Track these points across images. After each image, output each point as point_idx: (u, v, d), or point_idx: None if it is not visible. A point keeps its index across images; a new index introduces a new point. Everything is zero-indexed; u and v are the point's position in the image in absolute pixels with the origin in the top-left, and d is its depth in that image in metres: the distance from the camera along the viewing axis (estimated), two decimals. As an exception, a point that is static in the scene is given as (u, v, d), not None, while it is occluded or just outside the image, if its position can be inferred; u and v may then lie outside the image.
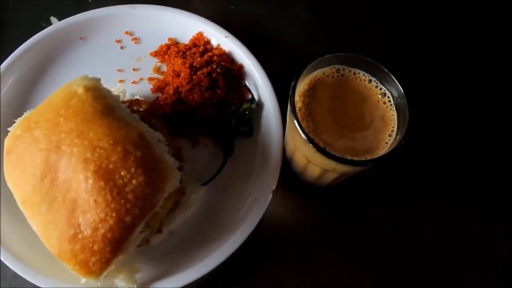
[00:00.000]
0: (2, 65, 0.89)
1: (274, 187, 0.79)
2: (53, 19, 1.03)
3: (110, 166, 0.61)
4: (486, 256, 0.84)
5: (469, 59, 1.04)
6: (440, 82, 1.00)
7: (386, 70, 0.68)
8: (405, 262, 0.83)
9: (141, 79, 0.93)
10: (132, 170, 0.62)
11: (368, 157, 0.65)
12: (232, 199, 0.81)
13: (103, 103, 0.67)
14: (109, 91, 0.72)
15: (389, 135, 0.68)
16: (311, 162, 0.70)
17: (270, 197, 0.78)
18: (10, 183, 0.67)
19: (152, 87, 0.91)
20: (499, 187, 0.90)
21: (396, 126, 0.68)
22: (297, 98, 0.69)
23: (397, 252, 0.83)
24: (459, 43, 1.06)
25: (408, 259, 0.83)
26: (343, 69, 0.72)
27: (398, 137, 0.66)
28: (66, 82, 0.71)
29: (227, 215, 0.80)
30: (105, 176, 0.61)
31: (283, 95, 0.68)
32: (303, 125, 0.65)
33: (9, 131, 0.69)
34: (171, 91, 0.87)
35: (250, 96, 0.88)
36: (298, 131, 0.63)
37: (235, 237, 0.76)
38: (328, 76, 0.71)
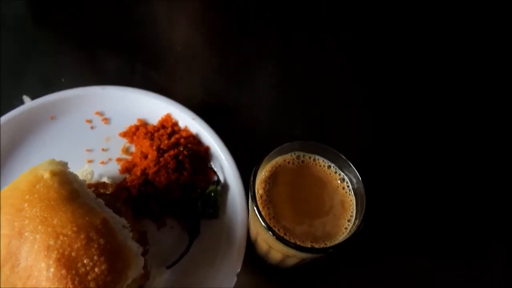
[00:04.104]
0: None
1: (239, 270, 0.79)
2: (25, 98, 1.04)
3: (73, 254, 0.61)
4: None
5: (422, 144, 1.10)
6: (395, 164, 1.05)
7: (344, 157, 0.72)
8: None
9: (109, 159, 0.94)
10: (95, 258, 0.62)
11: (328, 243, 0.67)
12: (197, 282, 0.81)
13: (68, 188, 0.68)
14: (75, 176, 0.73)
15: (348, 220, 0.70)
16: (273, 248, 0.71)
17: (235, 280, 0.79)
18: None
19: (120, 168, 0.92)
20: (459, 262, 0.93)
21: (354, 211, 0.71)
22: (258, 185, 0.71)
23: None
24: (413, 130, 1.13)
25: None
26: (303, 155, 0.75)
27: (357, 221, 0.68)
28: (33, 165, 0.71)
29: (192, 298, 0.80)
30: (67, 264, 0.61)
31: (249, 177, 0.70)
32: (263, 212, 0.67)
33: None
34: (138, 173, 0.88)
35: (215, 178, 0.91)
36: (258, 218, 0.65)
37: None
38: (288, 162, 0.74)
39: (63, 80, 1.10)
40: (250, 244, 0.84)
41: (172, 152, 0.89)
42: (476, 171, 1.05)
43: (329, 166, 0.74)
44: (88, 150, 0.95)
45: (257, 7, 1.35)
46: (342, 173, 0.74)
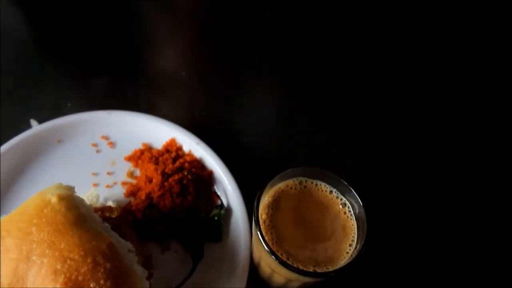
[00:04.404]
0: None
1: (242, 294, 0.80)
2: (33, 121, 1.06)
3: (80, 278, 0.63)
4: None
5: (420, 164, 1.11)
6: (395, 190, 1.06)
7: (346, 183, 0.74)
8: None
9: (114, 183, 0.96)
10: (102, 282, 0.63)
11: (330, 268, 0.68)
12: (201, 305, 0.82)
13: (75, 213, 0.69)
14: (82, 200, 0.74)
15: (350, 245, 0.71)
16: (275, 272, 0.72)
17: (237, 304, 0.80)
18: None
19: (125, 192, 0.94)
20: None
21: (356, 236, 0.72)
22: (261, 210, 0.73)
23: None
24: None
25: None
26: (306, 180, 0.76)
27: (358, 246, 0.70)
28: (41, 187, 0.73)
29: (196, 321, 0.80)
30: (74, 288, 0.62)
31: (252, 201, 0.72)
32: (266, 237, 0.69)
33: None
34: (143, 196, 0.90)
35: (219, 202, 0.92)
36: (262, 243, 0.66)
37: None
38: (291, 188, 0.76)
39: (69, 105, 1.12)
40: (253, 268, 0.85)
41: (176, 177, 0.90)
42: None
43: (331, 191, 0.76)
44: (93, 174, 0.97)
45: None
46: (343, 198, 0.75)
